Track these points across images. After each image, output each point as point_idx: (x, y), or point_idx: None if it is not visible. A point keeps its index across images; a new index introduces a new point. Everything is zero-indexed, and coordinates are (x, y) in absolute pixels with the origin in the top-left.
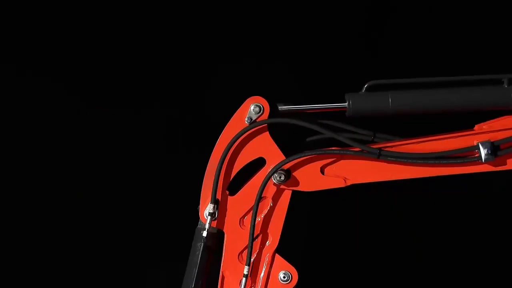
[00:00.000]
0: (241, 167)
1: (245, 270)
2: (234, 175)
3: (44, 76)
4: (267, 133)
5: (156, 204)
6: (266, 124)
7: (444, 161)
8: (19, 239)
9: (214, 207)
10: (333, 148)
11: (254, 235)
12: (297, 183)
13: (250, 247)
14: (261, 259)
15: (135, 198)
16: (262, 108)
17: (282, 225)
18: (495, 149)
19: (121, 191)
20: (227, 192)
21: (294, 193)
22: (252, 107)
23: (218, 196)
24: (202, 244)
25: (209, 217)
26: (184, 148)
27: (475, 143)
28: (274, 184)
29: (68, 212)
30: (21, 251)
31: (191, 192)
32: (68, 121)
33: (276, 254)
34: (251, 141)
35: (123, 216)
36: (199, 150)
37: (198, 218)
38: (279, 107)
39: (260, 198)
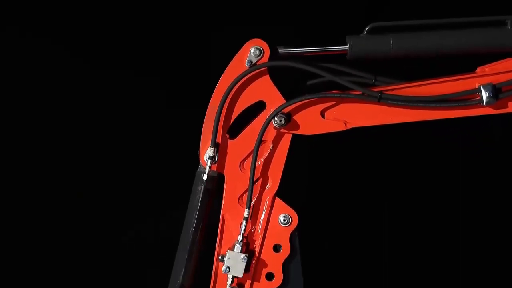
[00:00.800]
0: (241, 111)
1: (245, 213)
2: (234, 118)
3: (45, 37)
4: (267, 77)
5: (157, 155)
6: (266, 67)
7: (445, 104)
8: (17, 203)
9: (214, 151)
10: (333, 91)
11: (254, 179)
12: (297, 126)
13: (250, 191)
14: (261, 202)
15: (137, 148)
16: (262, 51)
17: (282, 169)
18: (496, 91)
19: (124, 144)
20: (227, 135)
21: (294, 136)
22: (252, 50)
23: (218, 140)
24: (203, 187)
25: (209, 160)
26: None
27: (476, 86)
28: (274, 127)
29: (71, 174)
30: (19, 216)
31: (191, 138)
32: (70, 82)
33: (276, 198)
34: (251, 85)
35: (126, 170)
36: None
37: (198, 161)
38: (280, 50)
39: (260, 141)
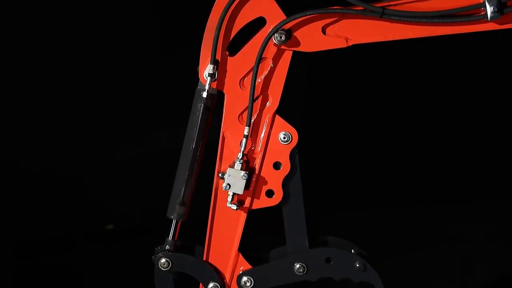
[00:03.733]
0: (241, 27)
1: (245, 131)
2: (234, 35)
3: None
4: None
5: (156, 72)
6: None
7: (448, 20)
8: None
9: (213, 68)
10: (335, 7)
11: (254, 96)
12: (298, 43)
13: (250, 108)
14: (261, 120)
15: (135, 66)
16: None
17: (282, 87)
18: (501, 6)
19: (125, 61)
20: (227, 52)
21: (295, 54)
22: None
23: (218, 57)
24: (202, 105)
25: (208, 78)
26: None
27: (481, 1)
28: (275, 44)
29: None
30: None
31: (190, 55)
32: None
33: (276, 115)
34: (251, 0)
35: (126, 87)
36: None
37: (198, 79)
38: None
39: (260, 58)
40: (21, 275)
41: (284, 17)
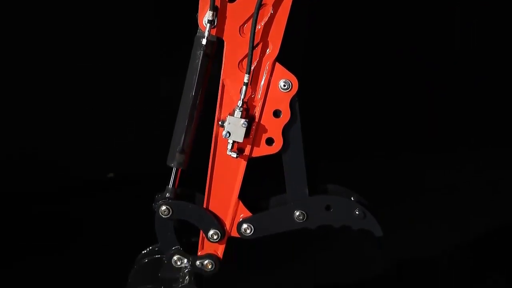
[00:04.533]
0: None
1: (245, 79)
2: None
3: None
4: None
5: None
6: None
7: None
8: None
9: (213, 14)
10: None
11: (254, 43)
12: None
13: (250, 55)
14: (261, 68)
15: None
16: None
17: (282, 34)
18: None
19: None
20: None
21: (295, 0)
22: None
23: (217, 3)
24: (202, 52)
25: (208, 24)
26: None
27: None
28: None
29: None
30: None
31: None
32: None
33: (277, 63)
34: None
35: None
36: None
37: (197, 25)
38: None
39: (260, 4)
40: (21, 223)
41: None
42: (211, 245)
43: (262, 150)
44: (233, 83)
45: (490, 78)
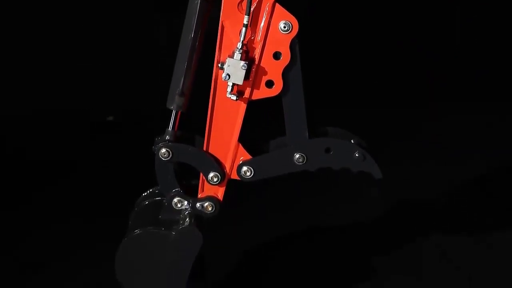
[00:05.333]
0: None
1: (245, 20)
2: None
3: None
4: None
5: None
6: None
7: None
8: None
9: None
10: None
11: None
12: None
13: None
14: (261, 9)
15: None
16: None
17: None
18: None
19: None
20: None
21: None
22: None
23: None
24: None
25: None
26: None
27: None
28: None
29: None
30: None
31: None
32: None
33: (277, 4)
34: None
35: None
36: None
37: None
38: None
39: None
40: (18, 169)
41: None
42: (211, 187)
43: (262, 92)
44: (232, 24)
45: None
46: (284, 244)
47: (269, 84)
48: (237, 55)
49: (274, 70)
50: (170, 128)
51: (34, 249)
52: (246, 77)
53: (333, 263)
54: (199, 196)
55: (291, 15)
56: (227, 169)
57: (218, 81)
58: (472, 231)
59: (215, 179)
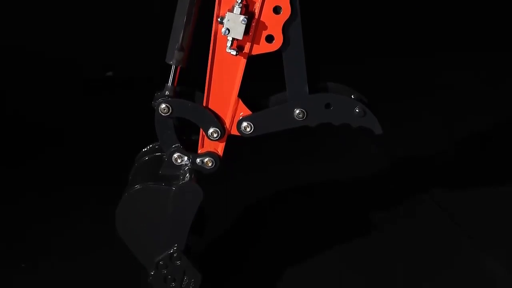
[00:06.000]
0: None
1: None
2: None
3: None
4: None
5: None
6: None
7: None
8: None
9: None
10: None
11: None
12: None
13: None
14: None
15: None
16: None
17: None
18: None
19: None
20: None
21: None
22: None
23: None
24: None
25: None
26: None
27: None
28: None
29: None
30: None
31: None
32: None
33: None
34: None
35: None
36: None
37: None
38: None
39: None
40: (16, 130)
41: None
42: (211, 143)
43: (262, 47)
44: None
45: None
46: (284, 199)
47: (269, 39)
48: (237, 9)
49: (274, 24)
50: (169, 84)
51: (33, 209)
52: (246, 31)
53: (332, 218)
54: (199, 151)
55: None
56: (227, 124)
57: (217, 36)
58: (472, 188)
59: (215, 135)
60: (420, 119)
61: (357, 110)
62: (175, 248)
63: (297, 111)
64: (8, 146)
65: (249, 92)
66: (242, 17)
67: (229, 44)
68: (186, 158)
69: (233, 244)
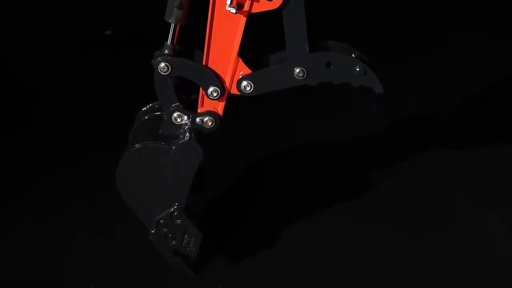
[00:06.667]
0: None
1: None
2: None
3: None
4: None
5: None
6: None
7: None
8: None
9: None
10: None
11: None
12: None
13: None
14: None
15: None
16: None
17: None
18: None
19: None
20: None
21: None
22: None
23: None
24: None
25: None
26: None
27: None
28: None
29: None
30: None
31: None
32: None
33: None
34: None
35: None
36: None
37: None
38: None
39: None
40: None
41: None
42: (211, 102)
43: (262, 5)
44: None
45: None
46: (284, 158)
47: None
48: None
49: None
50: (169, 42)
51: (34, 169)
52: None
53: (331, 176)
54: (199, 111)
55: None
56: (227, 83)
57: None
58: (471, 147)
59: (214, 94)
60: (420, 80)
61: (357, 69)
62: (175, 207)
63: (297, 70)
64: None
65: (249, 51)
66: None
67: (228, 1)
68: (186, 117)
69: (232, 203)
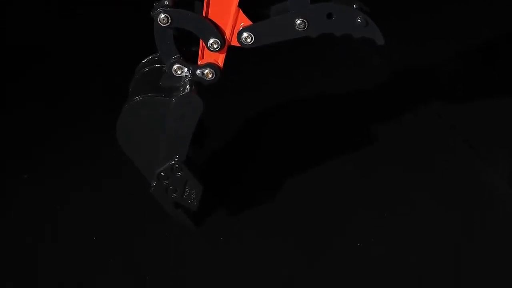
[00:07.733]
0: None
1: None
2: None
3: None
4: None
5: None
6: None
7: None
8: None
9: None
10: None
11: None
12: None
13: None
14: None
15: None
16: None
17: None
18: None
19: None
20: None
21: None
22: None
23: None
24: None
25: None
26: None
27: None
28: None
29: None
30: None
31: None
32: None
33: None
34: None
35: None
36: None
37: None
38: None
39: None
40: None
41: None
42: (211, 54)
43: None
44: None
45: None
46: (285, 111)
47: None
48: None
49: None
50: None
51: (33, 122)
52: None
53: (332, 128)
54: (199, 63)
55: None
56: (227, 35)
57: None
58: (474, 101)
59: (215, 46)
60: (424, 32)
61: (359, 20)
62: (176, 159)
63: (298, 21)
64: None
65: (249, 2)
66: None
67: None
68: (186, 69)
69: (233, 155)
